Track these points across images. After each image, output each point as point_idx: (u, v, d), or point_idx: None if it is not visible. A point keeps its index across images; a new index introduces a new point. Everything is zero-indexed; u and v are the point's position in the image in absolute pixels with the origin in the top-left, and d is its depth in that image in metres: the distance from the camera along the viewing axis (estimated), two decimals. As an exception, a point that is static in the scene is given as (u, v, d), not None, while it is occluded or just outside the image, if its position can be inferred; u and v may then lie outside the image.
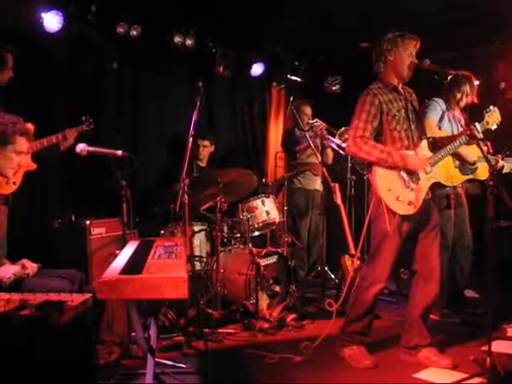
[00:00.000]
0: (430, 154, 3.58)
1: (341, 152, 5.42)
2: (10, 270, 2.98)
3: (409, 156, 3.45)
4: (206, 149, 5.74)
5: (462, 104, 4.53)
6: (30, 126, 4.02)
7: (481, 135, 3.67)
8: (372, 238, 3.59)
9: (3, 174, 3.16)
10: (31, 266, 3.13)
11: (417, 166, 3.47)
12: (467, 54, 5.82)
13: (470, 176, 4.48)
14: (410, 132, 3.56)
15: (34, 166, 4.10)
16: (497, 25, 5.32)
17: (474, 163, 4.43)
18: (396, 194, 3.43)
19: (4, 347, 2.00)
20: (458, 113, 4.65)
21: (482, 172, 4.49)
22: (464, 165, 4.40)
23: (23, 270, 3.07)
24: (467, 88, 4.53)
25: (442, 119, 4.56)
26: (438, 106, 4.55)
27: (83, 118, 4.47)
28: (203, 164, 5.75)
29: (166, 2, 5.08)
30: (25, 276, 3.04)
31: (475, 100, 4.57)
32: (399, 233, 3.47)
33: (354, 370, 3.53)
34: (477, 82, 4.78)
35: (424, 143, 3.57)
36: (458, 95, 4.53)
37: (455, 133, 4.47)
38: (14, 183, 3.99)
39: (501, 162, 4.61)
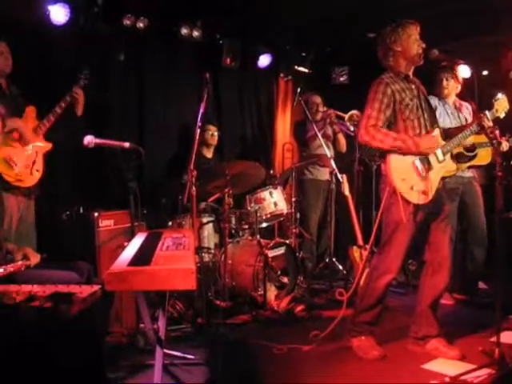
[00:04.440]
0: (442, 142, 3.56)
1: (351, 134, 5.45)
2: None
3: (420, 139, 3.43)
4: (216, 135, 5.72)
5: (455, 92, 4.71)
6: (31, 109, 4.06)
7: (491, 123, 3.65)
8: (384, 227, 3.58)
9: None
10: (34, 256, 3.04)
11: (430, 146, 3.45)
12: (476, 43, 5.77)
13: (467, 163, 4.48)
14: (422, 120, 3.55)
15: (49, 146, 4.12)
16: (506, 13, 5.27)
17: (473, 150, 4.43)
18: (410, 183, 3.42)
19: (13, 339, 2.01)
20: (457, 103, 4.71)
21: (482, 158, 4.50)
22: (460, 153, 4.40)
23: (23, 260, 2.97)
24: (452, 75, 4.63)
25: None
26: None
27: (78, 75, 4.33)
28: (210, 155, 5.74)
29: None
30: (23, 267, 2.89)
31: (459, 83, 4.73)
32: (413, 222, 3.46)
33: (363, 360, 3.54)
34: (485, 72, 4.77)
35: (436, 132, 3.55)
36: (445, 84, 4.70)
37: (456, 123, 4.57)
38: (38, 171, 4.03)
39: (504, 144, 4.60)
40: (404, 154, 3.44)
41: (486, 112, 3.69)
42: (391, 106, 3.48)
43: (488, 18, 5.31)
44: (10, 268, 2.78)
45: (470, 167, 4.60)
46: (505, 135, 4.64)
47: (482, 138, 4.44)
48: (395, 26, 3.53)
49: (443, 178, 3.55)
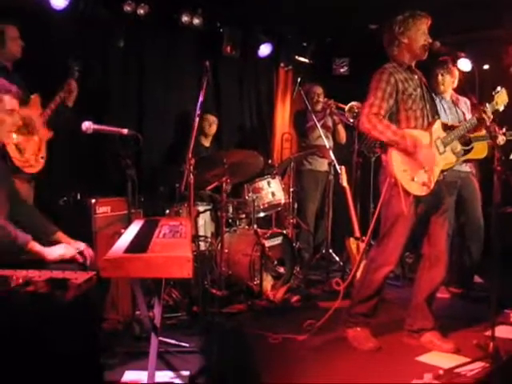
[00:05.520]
0: (443, 134, 3.54)
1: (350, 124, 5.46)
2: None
3: (422, 148, 3.38)
4: (214, 125, 5.71)
5: (451, 87, 4.70)
6: (37, 97, 4.08)
7: (491, 115, 3.63)
8: (383, 220, 3.56)
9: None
10: (90, 255, 2.95)
11: (425, 162, 3.40)
12: (478, 37, 5.75)
13: (463, 157, 4.47)
14: (425, 111, 3.51)
15: (50, 134, 4.17)
16: (507, 8, 5.24)
17: (469, 143, 4.43)
18: (411, 174, 3.40)
19: (8, 324, 2.01)
20: (454, 97, 4.70)
21: (478, 151, 4.48)
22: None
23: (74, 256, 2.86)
24: (447, 70, 4.63)
25: None
26: None
27: (71, 67, 4.33)
28: (208, 144, 5.73)
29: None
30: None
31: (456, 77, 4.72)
32: (413, 215, 3.45)
33: (357, 351, 3.54)
34: (486, 66, 4.73)
35: (438, 123, 3.53)
36: (440, 80, 4.67)
37: (453, 118, 4.57)
38: (42, 158, 4.07)
39: (501, 138, 4.59)
40: (399, 150, 3.41)
41: (487, 104, 3.67)
42: (394, 96, 3.44)
43: (492, 12, 5.28)
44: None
45: (466, 161, 4.58)
46: (502, 128, 4.63)
47: (479, 132, 4.44)
48: (407, 17, 3.47)
49: (442, 171, 3.53)
